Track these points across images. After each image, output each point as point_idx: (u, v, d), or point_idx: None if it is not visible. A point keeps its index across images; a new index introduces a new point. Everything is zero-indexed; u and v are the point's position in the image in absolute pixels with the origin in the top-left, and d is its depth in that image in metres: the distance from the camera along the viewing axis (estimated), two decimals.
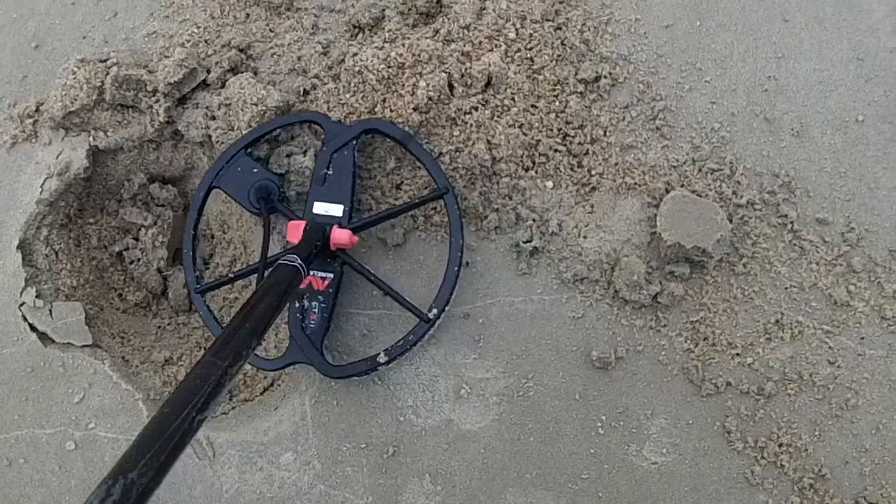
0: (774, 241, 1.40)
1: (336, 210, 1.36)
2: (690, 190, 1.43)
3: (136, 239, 1.56)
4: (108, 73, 1.46)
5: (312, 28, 1.54)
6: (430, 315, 1.33)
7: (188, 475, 1.35)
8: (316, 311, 1.35)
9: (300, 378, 1.41)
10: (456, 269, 1.35)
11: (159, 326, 1.52)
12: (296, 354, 1.32)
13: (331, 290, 1.36)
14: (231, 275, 1.35)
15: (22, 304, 1.42)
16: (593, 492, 1.32)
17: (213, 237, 1.58)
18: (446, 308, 1.35)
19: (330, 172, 1.38)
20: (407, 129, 1.40)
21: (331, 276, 1.36)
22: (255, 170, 1.38)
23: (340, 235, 1.31)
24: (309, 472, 1.35)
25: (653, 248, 1.43)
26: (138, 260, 1.54)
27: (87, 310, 1.44)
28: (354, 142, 1.39)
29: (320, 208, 1.36)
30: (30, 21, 1.59)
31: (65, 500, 1.35)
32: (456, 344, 1.39)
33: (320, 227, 1.31)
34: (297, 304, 1.34)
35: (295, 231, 1.31)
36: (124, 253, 1.56)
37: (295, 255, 1.14)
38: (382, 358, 1.32)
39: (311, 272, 1.35)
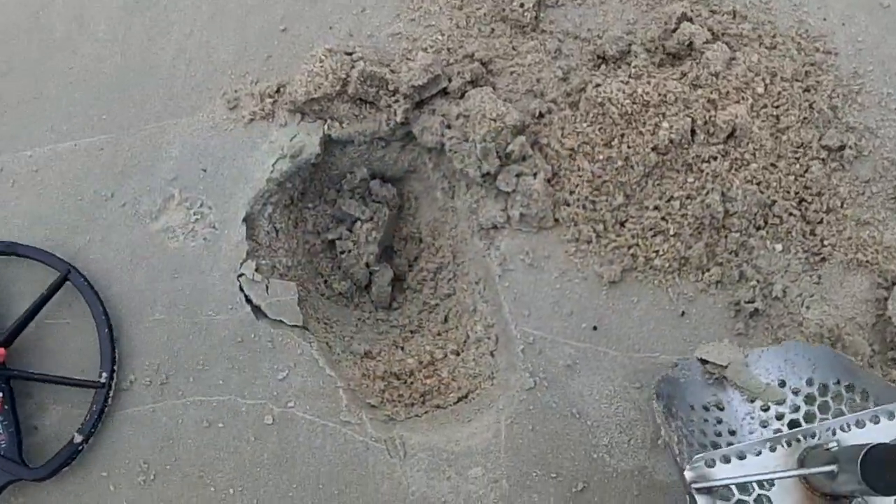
0: None
1: None
2: None
3: (350, 230, 1.59)
4: (353, 67, 1.49)
5: (555, 52, 1.55)
6: (102, 380, 1.37)
7: (378, 470, 1.37)
8: (1, 431, 1.36)
9: (497, 396, 1.41)
10: (106, 331, 1.40)
11: (359, 318, 1.55)
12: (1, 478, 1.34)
13: (7, 407, 1.38)
14: None
15: (241, 276, 1.47)
16: None
17: (421, 241, 1.60)
18: (115, 367, 1.39)
19: None
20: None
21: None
22: None
23: None
24: (496, 491, 1.35)
25: (877, 330, 1.38)
26: (349, 251, 1.58)
27: (298, 291, 1.47)
28: None
29: None
30: (280, 4, 1.64)
31: (255, 471, 1.38)
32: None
33: None
34: None
35: None
36: (336, 242, 1.59)
37: None
38: (77, 438, 1.35)
39: None
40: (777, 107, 1.46)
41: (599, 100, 1.45)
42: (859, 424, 1.05)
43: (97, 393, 1.39)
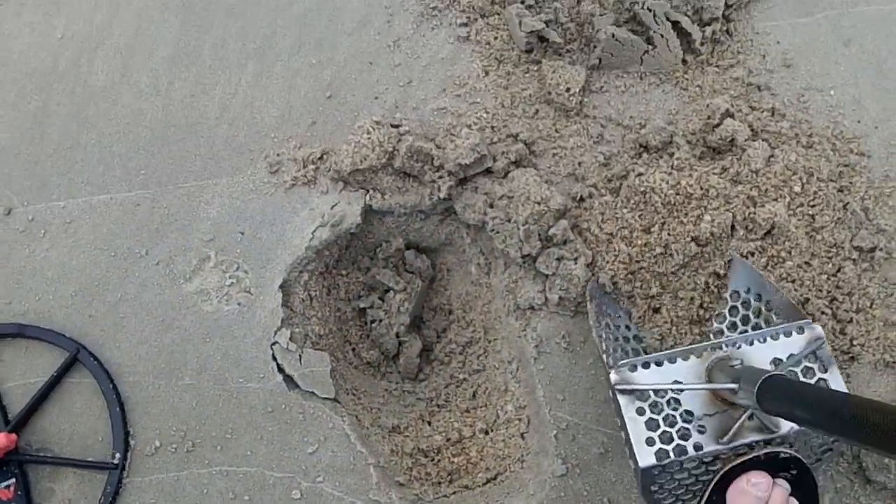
0: None
1: None
2: None
3: (382, 299, 1.59)
4: (400, 140, 1.51)
5: (597, 137, 1.57)
6: (115, 461, 1.38)
7: None
8: None
9: (528, 480, 1.40)
10: (118, 409, 1.40)
11: (386, 390, 1.54)
12: None
13: (20, 493, 1.38)
14: None
15: (274, 344, 1.45)
16: None
17: (451, 313, 1.60)
18: (128, 448, 1.40)
19: None
20: None
21: (13, 481, 1.38)
22: None
23: None
24: None
25: None
26: (380, 321, 1.57)
27: (330, 361, 1.46)
28: None
29: None
30: (327, 70, 1.65)
31: None
32: None
33: None
34: None
35: None
36: (368, 311, 1.58)
37: None
38: None
39: None
40: (813, 206, 1.49)
41: (643, 188, 1.47)
42: (762, 340, 1.25)
43: (111, 475, 1.38)
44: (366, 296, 1.60)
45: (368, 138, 1.50)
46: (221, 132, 1.61)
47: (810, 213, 1.49)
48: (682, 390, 1.21)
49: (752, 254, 1.45)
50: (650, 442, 1.19)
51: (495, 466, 1.44)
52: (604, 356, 1.32)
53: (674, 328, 1.45)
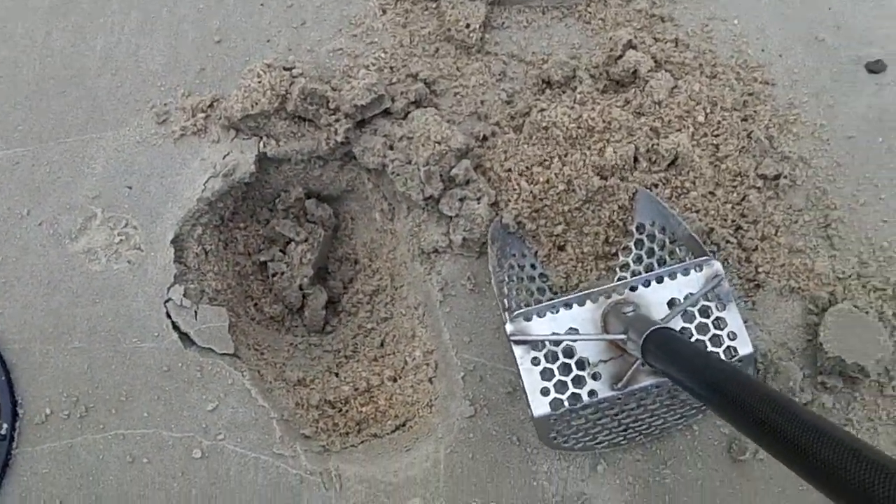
0: None
1: None
2: (853, 305, 1.42)
3: (283, 252, 1.53)
4: (293, 83, 1.44)
5: (500, 75, 1.53)
6: (2, 433, 1.33)
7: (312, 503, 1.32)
8: None
9: (436, 424, 1.38)
10: (3, 379, 1.35)
11: (292, 344, 1.49)
12: None
13: None
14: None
15: (168, 301, 1.39)
16: None
17: (356, 262, 1.56)
18: (17, 418, 1.34)
19: None
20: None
21: None
22: None
23: None
24: None
25: (808, 355, 1.41)
26: (282, 273, 1.51)
27: (228, 316, 1.40)
28: None
29: None
30: (216, 15, 1.56)
31: None
32: None
33: None
34: None
35: None
36: (269, 264, 1.53)
37: None
38: None
39: None
40: (717, 135, 1.48)
41: (545, 124, 1.43)
42: (658, 280, 1.24)
43: None
44: (266, 249, 1.54)
45: (259, 82, 1.43)
46: (104, 83, 1.52)
47: (714, 142, 1.48)
48: (575, 340, 1.20)
49: (657, 185, 1.43)
50: (545, 392, 1.18)
51: (404, 413, 1.41)
52: (503, 302, 1.29)
53: (579, 265, 1.42)
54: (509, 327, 1.20)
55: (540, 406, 1.18)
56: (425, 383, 1.41)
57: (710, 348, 1.24)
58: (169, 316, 1.39)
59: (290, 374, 1.43)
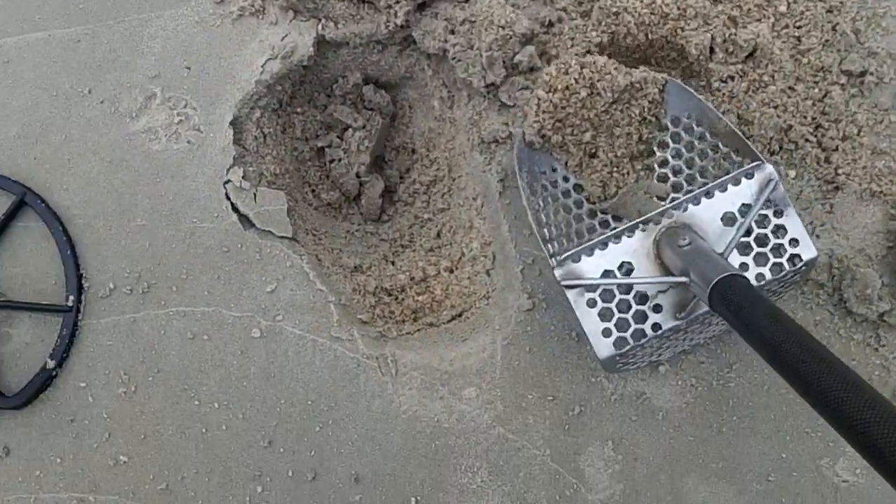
0: None
1: None
2: None
3: (340, 138, 1.51)
4: None
5: None
6: (69, 304, 1.33)
7: (369, 388, 1.33)
8: None
9: (493, 316, 1.37)
10: (69, 252, 1.34)
11: (348, 231, 1.48)
12: None
13: None
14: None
15: (227, 182, 1.39)
16: (777, 496, 1.28)
17: (414, 152, 1.52)
18: (82, 290, 1.34)
19: None
20: None
21: None
22: None
23: None
24: (490, 412, 1.32)
25: (887, 263, 1.35)
26: (339, 160, 1.49)
27: (286, 201, 1.40)
28: None
29: None
30: None
31: (242, 386, 1.33)
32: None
33: None
34: None
35: None
36: (326, 150, 1.50)
37: None
38: (50, 364, 1.32)
39: None
40: (799, 27, 1.39)
41: (615, 10, 1.36)
42: (709, 195, 1.15)
43: (66, 318, 1.34)
44: (324, 134, 1.52)
45: None
46: None
47: (796, 34, 1.39)
48: (631, 284, 1.13)
49: (732, 78, 1.35)
50: (606, 333, 1.13)
51: (460, 304, 1.40)
52: (546, 243, 1.22)
53: (614, 170, 1.35)
54: (558, 272, 1.14)
55: (604, 348, 1.13)
56: (482, 275, 1.39)
57: (771, 260, 1.17)
58: (228, 197, 1.39)
59: (347, 260, 1.42)
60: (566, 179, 1.33)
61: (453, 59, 1.39)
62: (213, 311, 1.36)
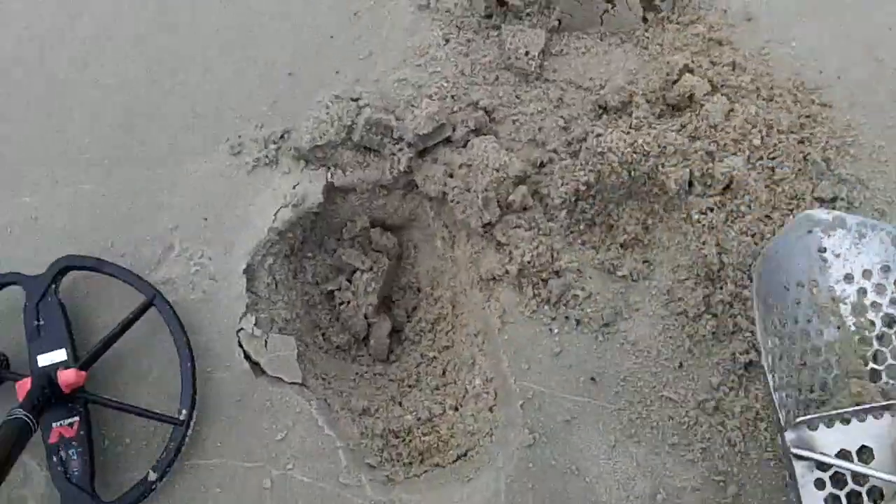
0: None
1: (60, 355, 1.36)
2: None
3: (349, 280, 1.59)
4: (359, 114, 1.49)
5: (557, 101, 1.56)
6: (182, 417, 1.32)
7: None
8: (75, 457, 1.32)
9: (496, 453, 1.40)
10: (189, 365, 1.35)
11: (357, 373, 1.54)
12: None
13: (82, 433, 1.34)
14: None
15: (240, 331, 1.44)
16: None
17: (419, 290, 1.60)
18: (194, 405, 1.35)
19: (41, 322, 1.39)
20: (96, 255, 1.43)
21: (76, 419, 1.34)
22: None
23: (68, 376, 1.31)
24: None
25: None
26: (348, 302, 1.57)
27: (296, 345, 1.45)
28: (53, 286, 1.41)
29: (45, 360, 1.36)
30: (287, 48, 1.63)
31: None
32: (657, 445, 1.38)
33: (44, 375, 1.32)
34: (55, 459, 1.31)
35: (23, 390, 1.30)
36: (335, 293, 1.58)
37: (19, 408, 1.18)
38: (152, 476, 1.31)
39: (57, 423, 1.33)
40: (773, 158, 1.48)
41: (600, 149, 1.45)
42: None
43: (175, 430, 1.33)
44: (333, 278, 1.60)
45: (327, 113, 1.49)
46: (181, 117, 1.60)
47: (770, 165, 1.48)
48: (871, 456, 0.99)
49: (711, 209, 1.44)
50: None
51: (465, 443, 1.43)
52: (777, 394, 1.06)
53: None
54: (790, 435, 0.99)
55: None
56: (486, 412, 1.44)
57: None
58: (241, 345, 1.43)
59: (356, 403, 1.47)
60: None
61: (452, 201, 1.48)
62: (225, 462, 1.37)
